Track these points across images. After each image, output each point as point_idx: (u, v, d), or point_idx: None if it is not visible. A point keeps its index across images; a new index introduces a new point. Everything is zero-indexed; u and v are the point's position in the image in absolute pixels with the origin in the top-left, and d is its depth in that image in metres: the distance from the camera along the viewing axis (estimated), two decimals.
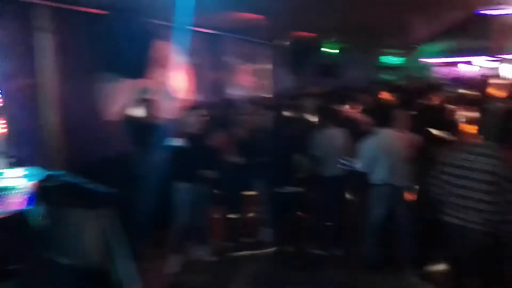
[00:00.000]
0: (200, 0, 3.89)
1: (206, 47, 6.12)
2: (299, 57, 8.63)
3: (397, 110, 3.87)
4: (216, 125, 4.23)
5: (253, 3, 4.62)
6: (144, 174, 4.10)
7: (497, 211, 2.67)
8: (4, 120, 3.26)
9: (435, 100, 5.47)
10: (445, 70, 11.29)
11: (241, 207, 4.60)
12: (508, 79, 7.82)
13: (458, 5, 5.92)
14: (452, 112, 3.76)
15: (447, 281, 3.22)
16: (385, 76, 11.94)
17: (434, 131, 3.95)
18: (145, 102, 4.39)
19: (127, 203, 3.02)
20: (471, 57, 10.35)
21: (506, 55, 8.59)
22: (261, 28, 6.21)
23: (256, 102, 5.35)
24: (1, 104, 3.22)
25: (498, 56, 8.84)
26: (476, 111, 2.89)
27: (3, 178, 2.38)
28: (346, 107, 5.03)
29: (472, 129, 2.83)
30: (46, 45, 3.78)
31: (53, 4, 3.81)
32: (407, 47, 11.56)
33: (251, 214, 4.69)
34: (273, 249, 4.14)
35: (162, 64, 4.95)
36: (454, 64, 11.04)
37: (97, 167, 3.29)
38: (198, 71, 5.86)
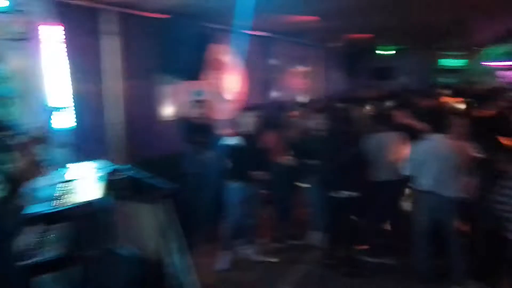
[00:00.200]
0: (255, 3, 3.96)
1: (259, 50, 6.20)
2: (353, 59, 8.47)
3: (454, 116, 3.67)
4: (268, 126, 4.28)
5: (307, 5, 4.62)
6: (196, 172, 4.27)
7: None
8: (73, 116, 3.57)
9: (499, 105, 5.12)
10: (509, 74, 10.51)
11: (290, 209, 4.61)
12: None
13: None
14: None
15: None
16: (444, 79, 11.35)
17: (504, 139, 3.66)
18: (199, 103, 4.54)
19: (183, 199, 3.16)
20: None
21: None
22: (314, 30, 6.18)
23: (308, 105, 5.34)
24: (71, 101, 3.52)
25: None
26: None
27: (75, 170, 2.61)
28: (401, 111, 4.86)
29: None
30: (112, 48, 4.05)
31: (119, 9, 4.08)
32: (469, 49, 10.91)
33: (300, 217, 4.68)
34: (322, 253, 4.11)
35: (217, 66, 5.11)
36: None
37: (154, 164, 3.47)
38: (251, 73, 5.98)
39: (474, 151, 3.45)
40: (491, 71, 10.74)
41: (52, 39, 3.50)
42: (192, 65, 4.31)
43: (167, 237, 2.77)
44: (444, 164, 3.42)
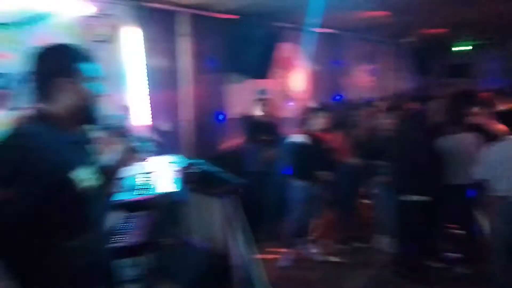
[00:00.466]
0: (324, 1, 3.92)
1: (327, 48, 6.12)
2: (426, 56, 7.99)
3: None
4: (335, 125, 4.22)
5: (378, 0, 4.47)
6: (259, 170, 4.33)
7: None
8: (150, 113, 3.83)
9: None
10: None
11: (355, 211, 4.50)
12: None
13: None
14: None
15: None
16: None
17: None
18: (263, 101, 4.60)
19: (247, 195, 3.23)
20: None
21: None
22: (385, 26, 5.95)
23: (377, 104, 5.16)
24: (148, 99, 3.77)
25: None
26: None
27: (153, 163, 2.81)
28: (479, 111, 4.51)
29: None
30: (185, 48, 4.26)
31: (192, 11, 4.26)
32: None
33: (366, 219, 4.55)
34: (389, 257, 3.96)
35: (285, 65, 5.14)
36: None
37: (219, 160, 3.60)
38: (318, 71, 5.93)
39: None
40: None
41: (132, 41, 3.78)
42: (260, 64, 4.38)
43: (235, 231, 2.85)
44: None
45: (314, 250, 4.10)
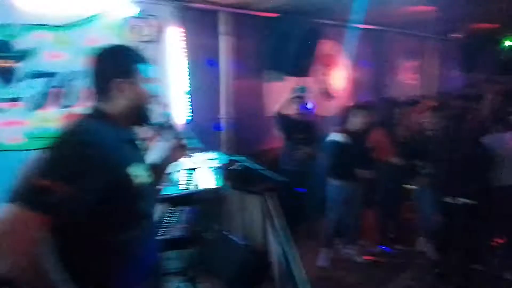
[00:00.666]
0: None
1: (369, 44, 5.98)
2: (476, 52, 7.60)
3: None
4: (377, 124, 4.12)
5: None
6: (296, 168, 4.31)
7: None
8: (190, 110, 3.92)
9: None
10: None
11: (397, 212, 4.38)
12: None
13: None
14: None
15: None
16: None
17: None
18: (300, 99, 4.57)
19: (287, 193, 3.24)
20: None
21: None
22: (430, 21, 5.73)
23: (422, 102, 4.98)
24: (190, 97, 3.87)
25: None
26: None
27: (196, 159, 2.89)
28: None
29: None
30: (226, 47, 4.32)
31: (233, 10, 4.31)
32: None
33: (408, 221, 4.42)
34: (431, 261, 3.83)
35: (326, 62, 5.08)
36: None
37: (258, 158, 3.62)
38: (360, 68, 5.81)
39: None
40: None
41: (176, 41, 3.88)
42: (301, 61, 4.36)
43: (274, 229, 2.86)
44: None
45: (352, 251, 4.04)
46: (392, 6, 4.72)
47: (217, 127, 4.24)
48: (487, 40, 7.67)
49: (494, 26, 7.06)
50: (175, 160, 1.72)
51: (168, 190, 2.59)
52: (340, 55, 5.36)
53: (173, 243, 2.57)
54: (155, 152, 1.72)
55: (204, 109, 4.09)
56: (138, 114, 1.49)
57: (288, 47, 4.31)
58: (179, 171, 2.77)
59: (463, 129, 3.68)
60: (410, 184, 4.22)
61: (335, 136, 3.90)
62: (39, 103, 3.18)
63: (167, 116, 1.66)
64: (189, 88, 3.99)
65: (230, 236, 2.80)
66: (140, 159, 1.52)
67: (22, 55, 3.08)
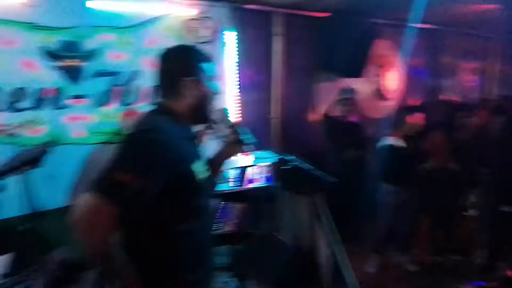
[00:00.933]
0: None
1: (426, 44, 5.73)
2: None
3: None
4: (432, 127, 3.95)
5: None
6: (342, 171, 4.23)
7: None
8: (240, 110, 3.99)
9: None
10: None
11: (452, 220, 4.16)
12: None
13: None
14: None
15: None
16: None
17: None
18: (347, 101, 4.49)
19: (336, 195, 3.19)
20: None
21: None
22: (493, 20, 5.38)
23: (481, 105, 4.71)
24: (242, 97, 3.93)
25: None
26: None
27: (249, 157, 2.94)
28: None
29: None
30: (278, 48, 4.34)
31: (286, 11, 4.32)
32: None
33: (464, 230, 4.19)
34: (487, 273, 3.61)
35: (380, 63, 4.94)
36: None
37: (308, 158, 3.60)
38: (416, 69, 5.59)
39: None
40: None
41: (230, 42, 3.97)
42: (354, 62, 4.27)
43: (323, 231, 2.84)
44: None
45: (403, 259, 3.90)
46: (452, 5, 4.50)
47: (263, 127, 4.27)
48: None
49: None
50: (231, 155, 1.77)
51: (220, 186, 2.67)
52: (395, 56, 5.19)
53: (222, 239, 2.63)
54: (212, 148, 1.77)
55: (254, 109, 4.14)
56: (201, 112, 1.55)
57: (341, 47, 4.24)
58: (231, 168, 2.84)
59: None
60: (468, 191, 4.00)
61: (388, 139, 3.79)
62: (102, 100, 3.39)
63: (226, 112, 1.71)
64: (241, 88, 4.06)
65: (278, 236, 2.81)
66: (199, 155, 1.58)
67: (88, 55, 3.30)
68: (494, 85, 7.10)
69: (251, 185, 2.74)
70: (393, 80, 5.28)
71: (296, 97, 4.53)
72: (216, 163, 1.72)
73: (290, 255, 3.00)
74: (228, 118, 1.74)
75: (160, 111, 1.50)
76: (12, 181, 2.45)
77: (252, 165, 2.98)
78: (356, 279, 2.92)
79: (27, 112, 3.04)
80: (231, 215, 2.64)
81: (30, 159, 2.34)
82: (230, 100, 3.97)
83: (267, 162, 2.95)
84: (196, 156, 1.53)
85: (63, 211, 3.01)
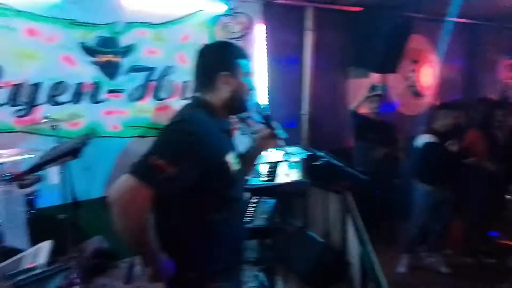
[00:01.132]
0: None
1: (463, 39, 5.52)
2: None
3: None
4: (470, 125, 3.80)
5: None
6: (370, 169, 4.14)
7: None
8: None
9: None
10: None
11: (488, 222, 4.00)
12: None
13: None
14: None
15: None
16: None
17: None
18: (377, 97, 4.38)
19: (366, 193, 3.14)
20: None
21: None
22: None
23: None
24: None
25: None
26: None
27: (280, 152, 2.94)
28: None
29: None
30: (309, 42, 4.31)
31: (317, 5, 4.27)
32: None
33: (501, 233, 4.02)
34: None
35: (415, 58, 4.82)
36: None
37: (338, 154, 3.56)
38: (452, 65, 5.41)
39: None
40: None
41: (261, 37, 3.97)
42: (388, 57, 4.17)
43: (355, 228, 2.80)
44: None
45: (435, 260, 3.78)
46: None
47: (292, 123, 4.25)
48: None
49: None
50: (264, 150, 1.78)
51: (251, 181, 2.69)
52: (430, 51, 5.03)
53: (252, 233, 2.65)
54: (244, 141, 1.79)
55: (284, 104, 4.13)
56: (236, 105, 1.59)
57: (374, 42, 4.15)
58: (262, 162, 2.85)
59: None
60: (507, 192, 3.83)
61: (423, 137, 3.68)
62: (137, 95, 3.48)
63: (261, 107, 1.72)
64: (272, 83, 4.06)
65: (308, 232, 2.80)
66: (233, 147, 1.61)
67: (125, 51, 3.39)
68: None
69: (281, 181, 2.75)
70: (428, 76, 5.12)
71: (327, 93, 4.49)
72: (248, 157, 1.75)
73: (319, 252, 2.98)
74: (262, 113, 1.75)
75: (196, 104, 1.55)
76: (53, 172, 2.56)
77: (283, 161, 2.98)
78: (386, 279, 2.87)
79: (66, 105, 3.17)
80: (262, 209, 2.65)
81: (70, 151, 2.43)
82: (260, 95, 3.98)
83: (298, 157, 2.94)
84: (229, 148, 1.57)
85: (99, 201, 3.15)
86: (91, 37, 3.22)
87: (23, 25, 2.96)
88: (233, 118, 1.69)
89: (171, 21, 3.57)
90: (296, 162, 2.92)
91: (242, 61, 1.56)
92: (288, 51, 4.24)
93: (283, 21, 4.15)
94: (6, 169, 2.47)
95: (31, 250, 2.11)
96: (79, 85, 3.21)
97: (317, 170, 2.40)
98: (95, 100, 3.29)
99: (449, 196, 3.67)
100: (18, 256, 2.07)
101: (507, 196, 3.84)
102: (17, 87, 2.98)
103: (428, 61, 5.13)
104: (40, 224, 2.61)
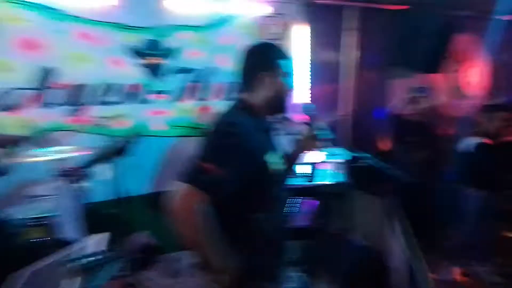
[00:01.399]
0: None
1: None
2: None
3: None
4: None
5: None
6: (411, 173, 4.00)
7: None
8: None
9: None
10: None
11: None
12: None
13: None
14: None
15: None
16: None
17: None
18: (419, 98, 4.24)
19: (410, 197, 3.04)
20: None
21: None
22: None
23: None
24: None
25: None
26: None
27: (321, 153, 2.93)
28: None
29: None
30: (350, 42, 4.25)
31: (359, 4, 4.21)
32: None
33: None
34: None
35: (461, 58, 4.63)
36: None
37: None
38: (502, 65, 5.14)
39: None
40: None
41: (301, 38, 3.97)
42: (432, 57, 4.03)
43: (396, 233, 2.73)
44: None
45: (483, 269, 3.61)
46: None
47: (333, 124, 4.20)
48: None
49: None
50: (307, 150, 1.79)
51: (292, 181, 2.68)
52: (478, 51, 4.81)
53: (292, 233, 2.64)
54: (285, 141, 1.80)
55: (325, 105, 4.11)
56: (277, 105, 1.61)
57: (418, 41, 4.03)
58: (304, 163, 2.85)
59: None
60: None
61: (470, 140, 3.53)
62: (179, 95, 3.57)
63: (307, 108, 1.73)
64: (311, 84, 4.04)
65: (349, 235, 2.76)
66: (275, 147, 1.63)
67: (168, 53, 3.49)
68: None
69: (322, 182, 2.73)
70: (475, 76, 4.90)
71: (368, 93, 4.40)
72: (290, 157, 1.76)
73: (360, 256, 2.93)
74: (307, 113, 1.76)
75: (239, 105, 1.59)
76: (102, 169, 2.68)
77: (325, 162, 2.96)
78: (432, 287, 2.77)
79: (114, 106, 3.31)
80: (301, 210, 2.65)
81: (118, 149, 2.54)
82: (301, 96, 3.97)
83: (339, 159, 2.91)
84: (271, 148, 1.59)
85: (145, 197, 3.27)
86: (138, 40, 3.35)
87: (77, 29, 3.12)
88: (275, 118, 1.71)
89: (213, 23, 3.64)
90: (339, 163, 2.88)
91: (283, 61, 1.59)
92: (329, 51, 4.20)
93: (324, 21, 4.12)
94: (61, 165, 2.61)
95: (90, 240, 2.23)
96: (126, 86, 3.35)
97: (360, 172, 2.37)
98: (141, 100, 3.41)
99: (499, 201, 3.51)
100: (78, 244, 2.18)
101: None
102: (70, 88, 3.15)
103: (475, 61, 4.91)
104: (91, 218, 2.74)
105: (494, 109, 3.63)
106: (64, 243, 2.28)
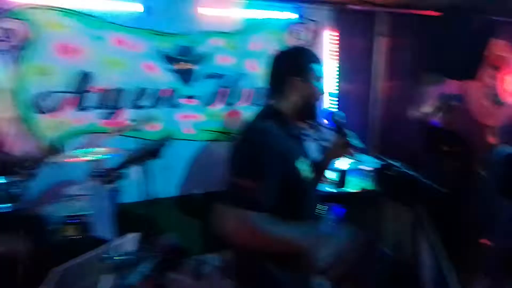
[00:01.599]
0: None
1: None
2: None
3: None
4: None
5: None
6: (444, 183, 3.87)
7: None
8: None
9: None
10: None
11: None
12: None
13: None
14: None
15: None
16: None
17: None
18: (451, 106, 4.10)
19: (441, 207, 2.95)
20: None
21: None
22: None
23: None
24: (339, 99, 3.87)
25: None
26: None
27: (350, 160, 2.89)
28: None
29: None
30: (381, 48, 4.19)
31: (392, 10, 4.14)
32: None
33: None
34: None
35: (496, 64, 4.47)
36: None
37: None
38: None
39: None
40: None
41: (330, 43, 3.95)
42: (466, 63, 3.92)
43: (426, 244, 2.66)
44: None
45: None
46: None
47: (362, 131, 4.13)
48: None
49: None
50: (337, 157, 1.77)
51: (321, 188, 2.66)
52: None
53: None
54: (315, 148, 1.79)
55: (354, 111, 4.06)
56: (307, 111, 1.58)
57: (451, 47, 3.93)
58: (333, 170, 2.82)
59: None
60: None
61: (506, 149, 3.40)
62: (210, 100, 3.63)
63: (337, 115, 1.71)
64: (341, 89, 4.01)
65: (377, 243, 2.71)
66: (305, 154, 1.61)
67: (199, 59, 3.56)
68: None
69: (351, 189, 2.69)
70: (510, 83, 4.72)
71: (400, 100, 4.32)
72: (321, 164, 1.74)
73: (389, 265, 2.87)
74: (337, 121, 1.74)
75: (268, 112, 1.55)
76: (135, 170, 2.75)
77: (354, 169, 2.92)
78: None
79: (147, 109, 3.40)
80: (329, 217, 2.61)
81: (150, 152, 2.61)
82: (331, 102, 3.95)
83: (369, 166, 2.86)
84: (301, 154, 1.56)
85: (174, 199, 3.33)
86: (169, 46, 3.43)
87: (112, 35, 3.24)
88: (305, 125, 1.69)
89: (242, 29, 3.68)
90: (369, 171, 2.84)
91: (314, 66, 1.56)
92: (359, 57, 4.16)
93: (354, 27, 4.09)
94: (96, 166, 2.70)
95: (123, 239, 2.30)
96: (158, 91, 3.43)
97: (390, 180, 2.33)
98: (172, 105, 3.49)
99: None
100: (112, 243, 2.25)
101: None
102: (104, 92, 3.26)
103: (511, 67, 4.73)
104: (122, 218, 2.82)
105: None
106: (98, 242, 2.35)
